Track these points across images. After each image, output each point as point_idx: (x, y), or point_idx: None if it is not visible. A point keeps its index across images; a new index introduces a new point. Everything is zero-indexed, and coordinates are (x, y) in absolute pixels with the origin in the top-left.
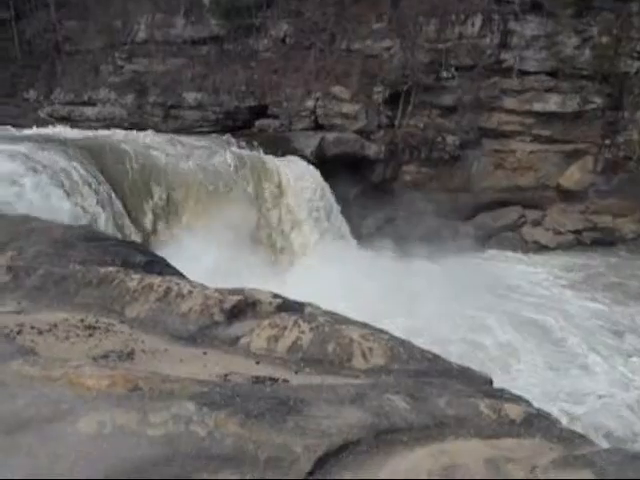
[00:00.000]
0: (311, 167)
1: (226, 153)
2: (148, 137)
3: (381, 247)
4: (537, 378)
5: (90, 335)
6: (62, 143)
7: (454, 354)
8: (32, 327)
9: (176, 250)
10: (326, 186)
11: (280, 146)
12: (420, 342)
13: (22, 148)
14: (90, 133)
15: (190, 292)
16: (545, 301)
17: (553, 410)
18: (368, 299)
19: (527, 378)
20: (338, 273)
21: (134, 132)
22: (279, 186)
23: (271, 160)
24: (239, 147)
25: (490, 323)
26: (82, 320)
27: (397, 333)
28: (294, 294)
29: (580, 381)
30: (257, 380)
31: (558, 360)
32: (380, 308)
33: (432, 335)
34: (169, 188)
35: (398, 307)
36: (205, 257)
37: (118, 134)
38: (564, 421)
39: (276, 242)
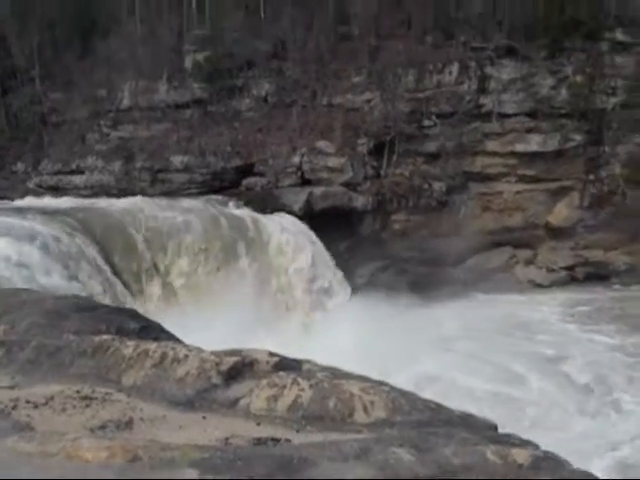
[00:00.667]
0: (299, 222)
1: (215, 213)
2: (137, 202)
3: (376, 297)
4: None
5: (87, 406)
6: (52, 213)
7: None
8: (27, 401)
9: (172, 313)
10: (317, 240)
11: (268, 203)
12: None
13: (11, 220)
14: (80, 202)
15: (186, 356)
16: (558, 338)
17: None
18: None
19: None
20: (334, 329)
21: (122, 199)
22: (268, 242)
23: (260, 217)
24: (226, 206)
25: (517, 369)
26: (78, 391)
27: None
28: (297, 354)
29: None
30: (259, 442)
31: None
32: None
33: (456, 385)
34: (162, 251)
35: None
36: (201, 318)
37: (107, 201)
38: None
39: (270, 298)
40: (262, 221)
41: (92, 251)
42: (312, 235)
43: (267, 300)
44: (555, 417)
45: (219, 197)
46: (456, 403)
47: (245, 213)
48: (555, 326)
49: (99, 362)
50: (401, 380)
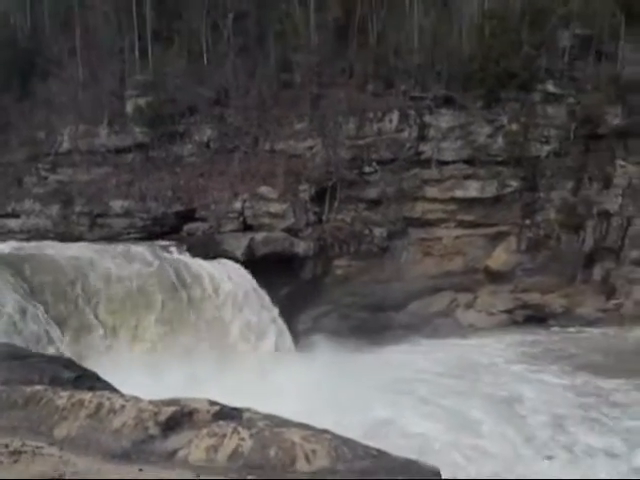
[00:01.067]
0: (240, 268)
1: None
2: (75, 248)
3: (319, 343)
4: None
5: (15, 461)
6: None
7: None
8: None
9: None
10: (257, 287)
11: (210, 249)
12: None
13: None
14: (17, 245)
15: (123, 406)
16: (508, 380)
17: None
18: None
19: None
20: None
21: (65, 244)
22: (208, 289)
23: (200, 263)
24: (168, 252)
25: (471, 413)
26: (7, 445)
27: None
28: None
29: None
30: None
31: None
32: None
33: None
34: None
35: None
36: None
37: (47, 245)
38: None
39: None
40: (202, 266)
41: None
42: (254, 282)
43: (214, 350)
44: (515, 463)
45: (163, 243)
46: (410, 451)
47: (185, 259)
48: (502, 368)
49: (30, 414)
50: (353, 426)
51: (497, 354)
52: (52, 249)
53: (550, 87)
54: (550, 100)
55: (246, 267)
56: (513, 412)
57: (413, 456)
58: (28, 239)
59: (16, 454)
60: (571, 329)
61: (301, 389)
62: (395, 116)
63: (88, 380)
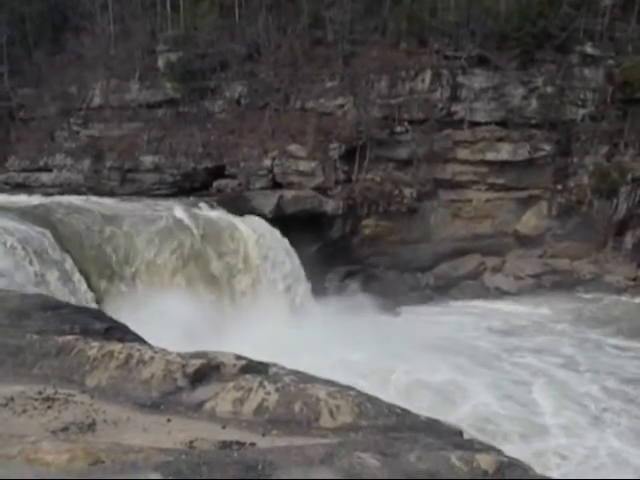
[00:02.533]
0: (269, 226)
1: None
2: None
3: (344, 302)
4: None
5: (49, 407)
6: (19, 211)
7: None
8: None
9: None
10: (287, 244)
11: (239, 206)
12: None
13: None
14: (48, 200)
15: (152, 358)
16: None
17: None
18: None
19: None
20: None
21: (93, 198)
22: (238, 245)
23: (230, 219)
24: (198, 207)
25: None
26: (40, 392)
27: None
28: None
29: None
30: (224, 445)
31: None
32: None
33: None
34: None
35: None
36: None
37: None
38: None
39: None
40: (232, 222)
41: (62, 255)
42: (281, 238)
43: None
44: None
45: (193, 199)
46: None
47: (217, 214)
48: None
49: (63, 363)
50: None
51: (539, 316)
52: (81, 202)
53: (588, 49)
54: (588, 62)
55: (275, 224)
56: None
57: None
58: (60, 193)
59: (49, 401)
60: (600, 296)
61: (317, 344)
62: (428, 75)
63: (118, 331)
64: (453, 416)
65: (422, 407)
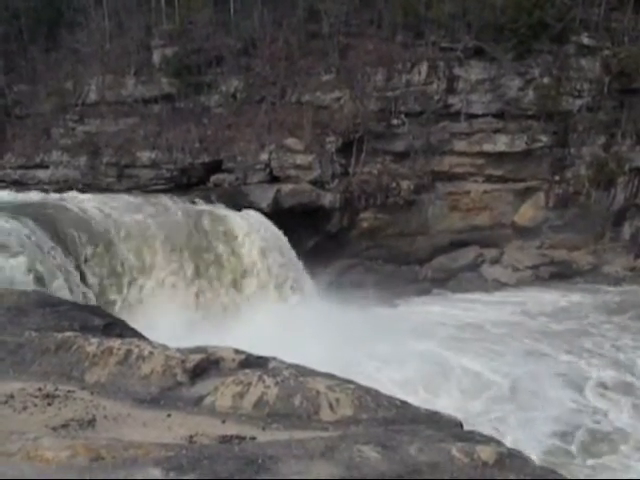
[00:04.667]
0: (265, 219)
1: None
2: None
3: (343, 295)
4: None
5: (49, 404)
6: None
7: None
8: None
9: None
10: (284, 239)
11: (236, 200)
12: None
13: None
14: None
15: (151, 353)
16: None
17: None
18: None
19: None
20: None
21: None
22: (235, 240)
23: (227, 214)
24: (194, 203)
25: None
26: (40, 389)
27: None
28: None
29: None
30: (224, 440)
31: None
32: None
33: None
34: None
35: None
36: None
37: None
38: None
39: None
40: (229, 217)
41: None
42: (278, 232)
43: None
44: None
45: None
46: None
47: (212, 209)
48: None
49: (62, 359)
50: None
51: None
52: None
53: (585, 39)
54: (584, 52)
55: (272, 219)
56: None
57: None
58: (57, 190)
59: (49, 397)
60: (599, 287)
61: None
62: (424, 67)
63: (117, 327)
64: None
65: None
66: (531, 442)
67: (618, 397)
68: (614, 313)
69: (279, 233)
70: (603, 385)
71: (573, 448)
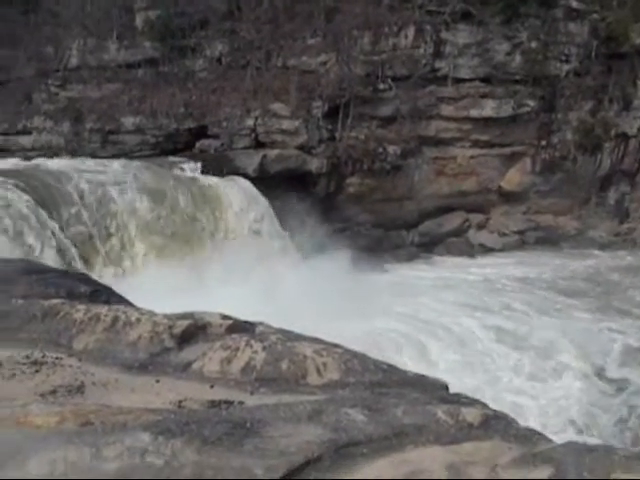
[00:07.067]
0: (250, 185)
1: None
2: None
3: (329, 261)
4: None
5: (37, 371)
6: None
7: None
8: None
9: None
10: (268, 205)
11: (222, 166)
12: None
13: None
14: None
15: (138, 320)
16: None
17: None
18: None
19: None
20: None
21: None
22: (220, 206)
23: (212, 180)
24: (181, 169)
25: None
26: (28, 356)
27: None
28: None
29: None
30: (212, 404)
31: None
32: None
33: None
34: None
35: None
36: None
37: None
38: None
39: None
40: (214, 183)
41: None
42: (262, 198)
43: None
44: None
45: (178, 159)
46: None
47: (196, 175)
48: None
49: (49, 326)
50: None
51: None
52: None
53: (573, 3)
54: (572, 17)
55: (258, 184)
56: None
57: None
58: (40, 156)
59: (37, 364)
60: (585, 251)
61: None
62: (411, 31)
63: (103, 294)
64: None
65: None
66: None
67: None
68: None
69: (262, 197)
70: None
71: None
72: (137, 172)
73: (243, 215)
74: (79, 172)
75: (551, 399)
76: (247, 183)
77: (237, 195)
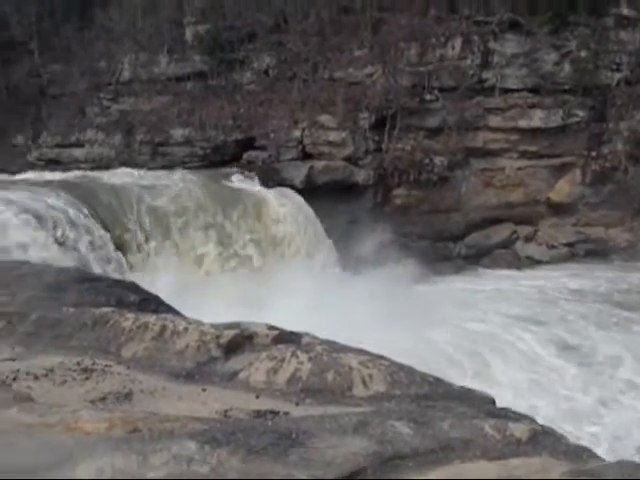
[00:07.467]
0: (298, 196)
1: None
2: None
3: (377, 272)
4: None
5: (87, 378)
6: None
7: None
8: (27, 373)
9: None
10: (314, 216)
11: (269, 177)
12: None
13: (13, 195)
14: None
15: (186, 329)
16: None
17: None
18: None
19: None
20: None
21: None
22: (268, 216)
23: (260, 191)
24: (229, 180)
25: None
26: (78, 363)
27: None
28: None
29: None
30: (258, 414)
31: None
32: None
33: None
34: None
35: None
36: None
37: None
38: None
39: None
40: (262, 194)
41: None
42: (310, 211)
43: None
44: None
45: (229, 169)
46: None
47: (247, 187)
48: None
49: (99, 334)
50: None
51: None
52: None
53: (624, 10)
54: (624, 24)
55: (305, 196)
56: None
57: None
58: (93, 168)
59: (87, 372)
60: (637, 264)
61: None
62: (458, 41)
63: (152, 303)
64: None
65: None
66: None
67: None
68: None
69: (308, 209)
70: None
71: None
72: (194, 183)
73: (293, 227)
74: (138, 186)
75: (621, 423)
76: (298, 196)
77: (290, 208)
